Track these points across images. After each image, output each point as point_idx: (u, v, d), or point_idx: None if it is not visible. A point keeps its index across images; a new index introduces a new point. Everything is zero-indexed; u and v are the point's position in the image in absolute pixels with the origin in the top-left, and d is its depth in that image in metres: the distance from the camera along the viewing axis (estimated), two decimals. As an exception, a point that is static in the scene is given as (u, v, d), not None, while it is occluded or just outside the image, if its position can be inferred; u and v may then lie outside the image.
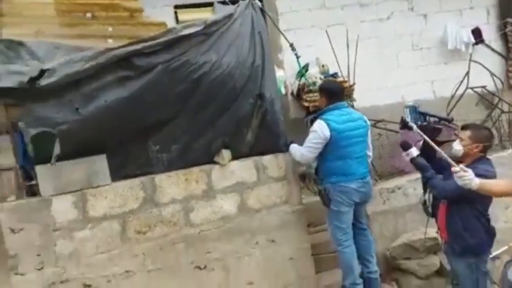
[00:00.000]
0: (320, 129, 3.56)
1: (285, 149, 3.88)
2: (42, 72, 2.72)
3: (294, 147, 3.79)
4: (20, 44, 2.88)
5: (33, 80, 2.71)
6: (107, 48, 2.99)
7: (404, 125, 3.36)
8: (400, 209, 4.62)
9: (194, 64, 3.35)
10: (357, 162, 3.65)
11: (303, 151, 3.67)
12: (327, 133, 3.54)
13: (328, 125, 3.55)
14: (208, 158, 3.72)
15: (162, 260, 3.48)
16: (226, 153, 3.71)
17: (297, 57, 4.44)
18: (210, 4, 3.64)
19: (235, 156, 3.76)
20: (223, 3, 3.67)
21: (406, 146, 3.16)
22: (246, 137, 3.76)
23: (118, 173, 3.38)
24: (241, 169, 3.79)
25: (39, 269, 3.10)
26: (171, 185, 3.55)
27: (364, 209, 4.06)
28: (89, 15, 3.14)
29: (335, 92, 3.78)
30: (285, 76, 5.58)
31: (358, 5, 6.20)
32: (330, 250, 4.13)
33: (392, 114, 5.30)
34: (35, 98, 2.86)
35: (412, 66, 6.37)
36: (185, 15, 3.44)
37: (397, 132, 4.99)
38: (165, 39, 3.19)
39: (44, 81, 2.74)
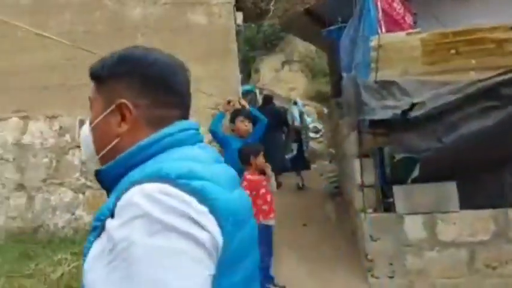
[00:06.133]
0: None
1: None
2: (412, 105, 3.18)
3: None
4: (392, 83, 3.48)
5: (405, 112, 3.20)
6: (475, 80, 3.15)
7: None
8: None
9: None
10: None
11: None
12: None
13: None
14: None
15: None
16: None
17: None
18: None
19: None
20: None
21: None
22: None
23: (467, 201, 3.41)
24: None
25: (390, 277, 3.51)
26: (528, 221, 3.25)
27: None
28: (452, 51, 3.41)
29: None
30: None
31: None
32: None
33: None
34: (402, 128, 3.34)
35: None
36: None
37: None
38: (544, 65, 3.02)
39: (413, 113, 3.19)
